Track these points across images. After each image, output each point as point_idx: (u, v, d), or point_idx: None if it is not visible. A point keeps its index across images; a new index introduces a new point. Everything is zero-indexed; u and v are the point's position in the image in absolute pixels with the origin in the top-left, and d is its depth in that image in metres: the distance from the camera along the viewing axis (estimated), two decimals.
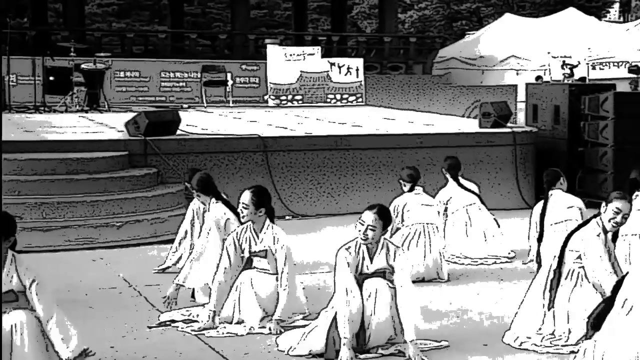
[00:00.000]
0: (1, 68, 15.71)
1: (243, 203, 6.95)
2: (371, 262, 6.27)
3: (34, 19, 27.46)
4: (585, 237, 6.31)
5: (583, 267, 6.33)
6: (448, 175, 9.76)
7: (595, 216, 6.39)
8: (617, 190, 6.59)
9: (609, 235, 6.40)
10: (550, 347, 6.28)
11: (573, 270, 6.37)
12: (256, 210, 6.93)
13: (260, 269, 6.94)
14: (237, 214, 7.41)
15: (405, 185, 8.89)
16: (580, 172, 13.02)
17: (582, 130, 13.21)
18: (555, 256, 6.48)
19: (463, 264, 9.30)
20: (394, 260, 6.27)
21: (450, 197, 9.68)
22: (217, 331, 6.72)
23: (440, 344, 6.41)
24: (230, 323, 6.82)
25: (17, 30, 21.07)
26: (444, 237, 9.59)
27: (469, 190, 9.70)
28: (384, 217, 6.28)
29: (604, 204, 6.32)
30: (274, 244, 6.91)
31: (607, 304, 5.23)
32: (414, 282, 8.34)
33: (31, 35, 23.31)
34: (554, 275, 6.41)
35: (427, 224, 8.73)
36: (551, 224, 8.41)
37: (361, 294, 6.15)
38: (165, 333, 6.76)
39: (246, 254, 6.98)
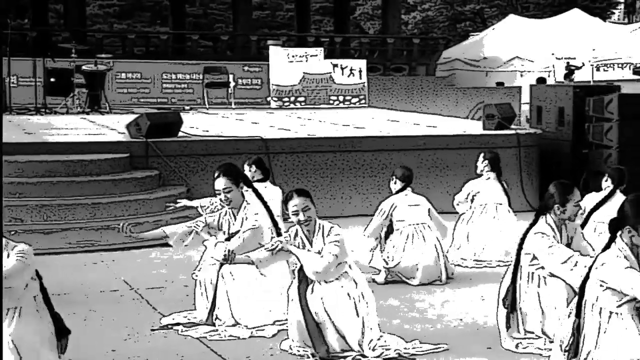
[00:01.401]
0: (2, 69, 15.69)
1: (225, 188, 6.85)
2: (311, 246, 6.22)
3: (34, 19, 27.50)
4: (530, 240, 6.23)
5: (539, 268, 6.26)
6: (488, 168, 9.66)
7: (542, 215, 6.27)
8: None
9: (568, 224, 6.30)
10: None
11: (532, 273, 6.31)
12: (237, 187, 6.91)
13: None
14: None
15: (396, 183, 8.67)
16: (584, 174, 12.94)
17: (586, 132, 13.15)
18: (511, 257, 6.49)
19: (467, 266, 9.24)
20: (328, 236, 6.18)
21: (479, 192, 9.62)
22: (219, 334, 6.68)
23: (438, 346, 6.33)
24: (232, 325, 6.77)
25: (17, 31, 21.12)
26: (455, 231, 9.49)
27: (504, 190, 9.65)
28: (308, 194, 6.25)
29: (557, 206, 6.14)
30: (246, 219, 6.84)
31: (577, 328, 5.17)
32: (416, 285, 8.38)
33: (32, 36, 23.28)
34: (511, 278, 6.39)
35: (418, 224, 8.59)
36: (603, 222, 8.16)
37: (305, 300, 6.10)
38: (167, 336, 6.71)
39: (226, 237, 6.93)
